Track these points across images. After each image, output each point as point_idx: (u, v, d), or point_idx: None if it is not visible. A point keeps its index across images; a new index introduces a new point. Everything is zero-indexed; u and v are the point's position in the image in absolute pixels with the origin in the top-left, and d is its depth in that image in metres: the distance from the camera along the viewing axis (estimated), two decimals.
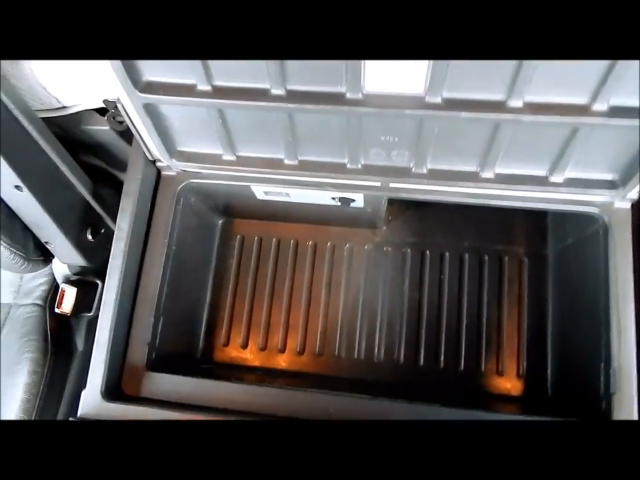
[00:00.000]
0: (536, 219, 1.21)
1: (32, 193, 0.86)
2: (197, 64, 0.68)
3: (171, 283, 0.99)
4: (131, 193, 0.95)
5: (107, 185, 1.09)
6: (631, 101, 0.65)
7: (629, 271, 0.87)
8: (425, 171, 0.85)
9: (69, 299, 1.08)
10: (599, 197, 0.86)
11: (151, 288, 0.94)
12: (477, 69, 0.63)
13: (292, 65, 0.67)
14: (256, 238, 1.28)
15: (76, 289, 1.08)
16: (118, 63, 0.67)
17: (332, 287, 1.23)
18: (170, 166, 0.96)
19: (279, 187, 0.98)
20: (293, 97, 0.71)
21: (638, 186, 0.81)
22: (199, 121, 0.81)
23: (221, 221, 1.28)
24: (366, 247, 1.25)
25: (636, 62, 0.58)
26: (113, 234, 0.95)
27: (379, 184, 0.90)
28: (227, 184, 0.99)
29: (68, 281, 1.10)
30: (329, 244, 1.26)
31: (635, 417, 0.81)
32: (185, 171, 0.98)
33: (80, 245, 1.02)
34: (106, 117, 0.92)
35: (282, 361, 1.19)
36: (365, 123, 0.75)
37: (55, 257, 1.08)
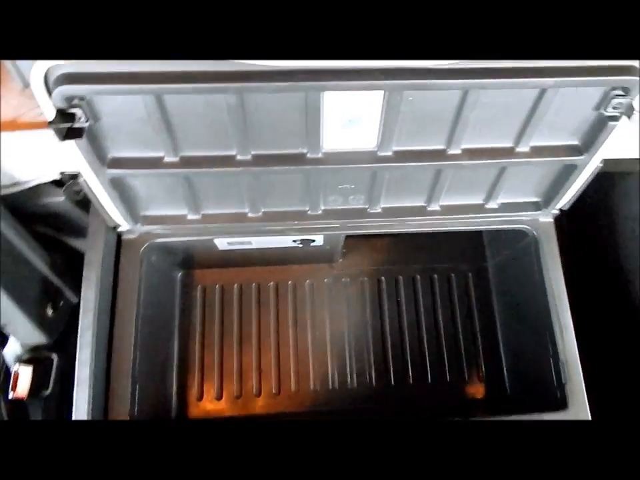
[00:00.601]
0: (474, 239, 1.33)
1: None
2: (164, 136, 0.71)
3: (142, 348, 0.98)
4: (94, 262, 0.95)
5: (62, 252, 1.07)
6: (547, 142, 0.77)
7: (560, 274, 1.00)
8: (379, 210, 0.93)
9: (24, 380, 1.01)
10: (526, 217, 0.98)
11: (125, 359, 0.92)
12: (422, 123, 0.73)
13: (255, 131, 0.72)
14: (217, 286, 1.30)
15: (31, 367, 1.03)
16: (84, 141, 0.69)
17: (298, 324, 1.28)
18: (130, 230, 0.98)
19: (242, 237, 1.03)
20: (258, 160, 0.76)
21: (559, 203, 0.94)
22: (165, 188, 0.84)
23: (180, 274, 1.29)
24: (325, 281, 1.31)
25: (550, 111, 0.70)
26: (73, 305, 0.94)
27: (338, 225, 0.97)
28: (189, 240, 1.02)
29: (20, 361, 1.04)
30: (289, 282, 1.31)
31: (586, 403, 0.92)
32: (145, 233, 1.00)
33: (41, 322, 0.99)
34: (63, 189, 0.92)
35: (259, 406, 1.21)
36: (324, 177, 0.82)
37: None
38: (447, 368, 1.25)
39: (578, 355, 0.96)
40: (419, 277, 1.33)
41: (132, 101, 0.66)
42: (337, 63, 0.61)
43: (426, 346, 1.27)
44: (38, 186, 0.95)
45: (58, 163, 0.88)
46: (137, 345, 0.96)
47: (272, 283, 1.31)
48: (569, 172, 0.82)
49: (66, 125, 0.64)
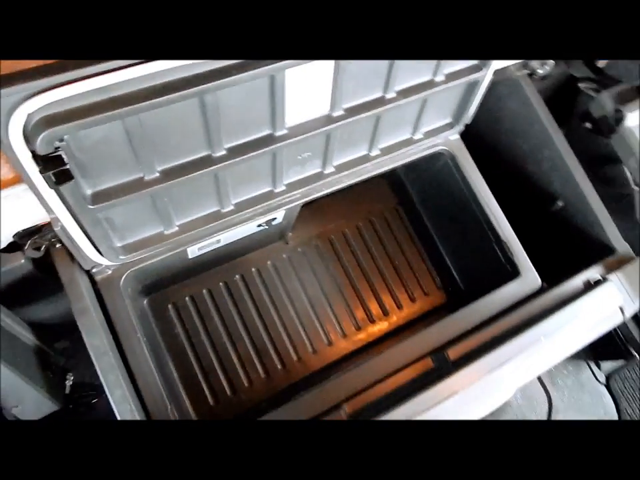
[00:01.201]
0: (395, 180, 1.50)
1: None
2: (144, 154, 0.73)
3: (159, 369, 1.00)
4: (83, 309, 0.93)
5: (35, 318, 1.02)
6: (456, 68, 0.93)
7: (479, 175, 1.20)
8: (332, 169, 1.03)
9: None
10: (442, 138, 1.15)
11: (153, 388, 0.93)
12: (364, 79, 0.83)
13: (227, 125, 0.77)
14: (187, 298, 1.31)
15: None
16: (69, 183, 0.68)
17: (276, 302, 1.35)
18: (107, 266, 0.96)
19: (214, 237, 1.06)
20: (233, 152, 0.82)
21: (466, 120, 1.12)
22: (142, 209, 0.85)
23: (145, 301, 1.28)
24: (284, 256, 1.39)
25: None
26: (62, 365, 0.92)
27: (299, 194, 1.05)
28: (164, 257, 1.03)
29: None
30: (253, 270, 1.37)
31: (533, 267, 1.14)
32: (122, 265, 0.99)
33: (50, 390, 0.95)
34: (25, 249, 0.88)
35: (271, 387, 1.28)
36: (287, 151, 0.89)
37: None
38: (410, 290, 1.42)
39: (514, 233, 1.17)
40: (361, 224, 1.46)
41: (110, 128, 0.67)
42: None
43: (389, 280, 1.42)
44: None
45: (10, 225, 0.84)
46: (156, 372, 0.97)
47: (237, 276, 1.35)
48: (472, 88, 1.00)
49: (56, 169, 0.64)
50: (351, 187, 1.43)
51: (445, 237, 1.43)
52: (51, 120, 0.60)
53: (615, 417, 1.75)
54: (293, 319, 1.34)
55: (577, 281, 1.10)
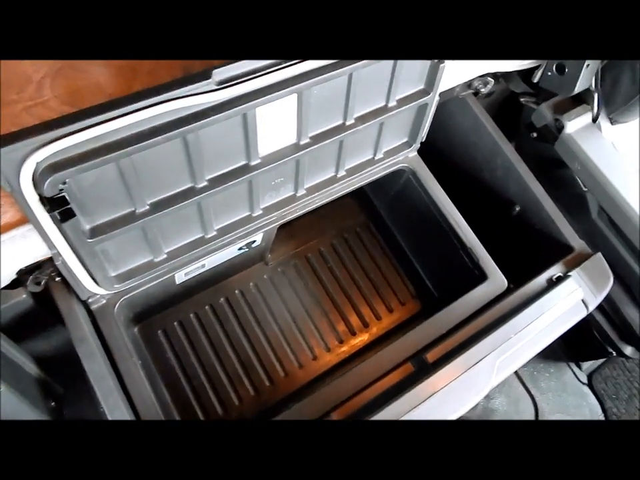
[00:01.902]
0: (362, 197, 1.61)
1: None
2: (136, 191, 0.82)
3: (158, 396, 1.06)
4: (82, 338, 0.99)
5: (35, 349, 1.08)
6: (405, 93, 1.05)
7: (440, 188, 1.32)
8: (304, 191, 1.13)
9: None
10: (401, 156, 1.27)
11: (151, 410, 0.99)
12: (325, 109, 0.95)
13: (208, 159, 0.87)
14: (176, 324, 1.38)
15: None
16: (72, 224, 0.77)
17: (260, 321, 1.43)
18: (102, 296, 1.03)
19: (199, 262, 1.15)
20: (214, 183, 0.91)
21: (421, 138, 1.24)
22: (134, 239, 0.94)
23: (136, 329, 1.34)
24: (265, 277, 1.48)
25: (402, 72, 0.97)
26: (61, 395, 0.98)
27: (275, 217, 1.15)
28: (154, 284, 1.11)
29: None
30: (236, 292, 1.45)
31: (498, 270, 1.25)
32: (113, 295, 1.06)
33: (51, 418, 1.01)
34: (27, 284, 0.95)
35: (259, 403, 1.35)
36: (262, 178, 1.00)
37: None
38: (386, 301, 1.52)
39: (478, 240, 1.29)
40: (335, 241, 1.57)
41: (105, 169, 0.76)
42: (261, 83, 0.79)
43: (367, 292, 1.52)
44: None
45: (14, 264, 0.91)
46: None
47: (222, 298, 1.43)
48: (423, 110, 1.12)
49: (61, 209, 0.72)
50: (323, 207, 1.55)
51: (415, 248, 1.55)
52: (56, 166, 0.69)
53: (601, 417, 1.81)
54: (277, 335, 1.42)
55: (541, 279, 1.19)
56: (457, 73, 1.19)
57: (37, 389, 1.00)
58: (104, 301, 1.06)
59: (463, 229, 1.28)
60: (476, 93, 1.38)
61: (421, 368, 1.04)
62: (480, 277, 1.26)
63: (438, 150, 1.42)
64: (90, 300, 1.03)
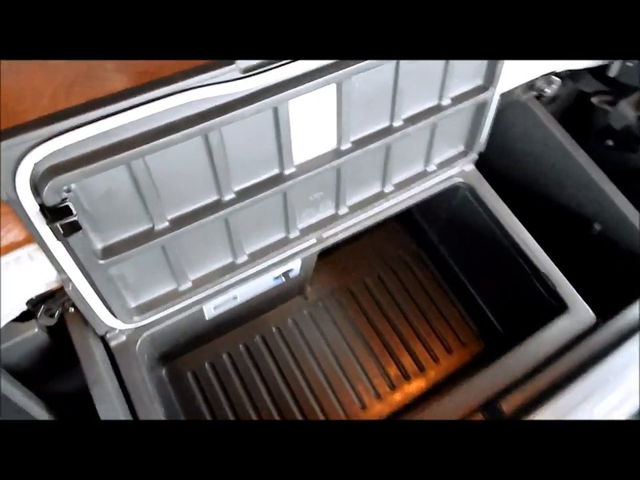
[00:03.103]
0: (410, 223, 1.46)
1: None
2: (153, 203, 0.71)
3: None
4: (97, 379, 0.87)
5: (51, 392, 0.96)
6: (461, 90, 0.92)
7: (504, 205, 1.15)
8: (346, 209, 1.00)
9: None
10: (456, 169, 1.12)
11: None
12: (368, 108, 0.82)
13: (235, 168, 0.76)
14: (207, 364, 1.24)
15: None
16: (78, 236, 0.66)
17: (300, 361, 1.27)
18: (121, 331, 0.92)
19: (229, 293, 1.02)
20: (243, 195, 0.79)
21: (479, 147, 1.10)
22: (154, 263, 0.82)
23: (164, 370, 1.21)
24: (305, 312, 1.33)
25: (456, 65, 0.85)
26: None
27: (314, 240, 1.02)
28: (180, 318, 0.98)
29: None
30: (273, 329, 1.30)
31: (581, 299, 1.04)
32: (134, 330, 0.95)
33: None
34: (38, 317, 0.84)
35: None
36: (297, 190, 0.87)
37: None
38: (444, 341, 1.33)
39: (554, 264, 1.10)
40: (382, 273, 1.41)
41: (117, 175, 0.65)
42: (293, 70, 0.68)
43: (420, 331, 1.33)
44: None
45: (22, 291, 0.81)
46: None
47: (257, 336, 1.29)
48: (481, 111, 0.98)
49: (64, 221, 0.61)
50: (367, 235, 1.41)
51: (476, 278, 1.36)
52: (57, 169, 0.59)
53: None
54: (319, 379, 1.25)
55: (634, 310, 0.98)
56: (517, 72, 1.05)
57: None
58: (124, 337, 0.94)
59: (536, 252, 1.10)
60: (539, 96, 1.23)
61: (495, 419, 0.85)
62: (558, 308, 1.06)
63: (496, 164, 1.26)
64: (108, 335, 0.91)
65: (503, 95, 1.03)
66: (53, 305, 0.85)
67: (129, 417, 0.86)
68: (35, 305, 0.84)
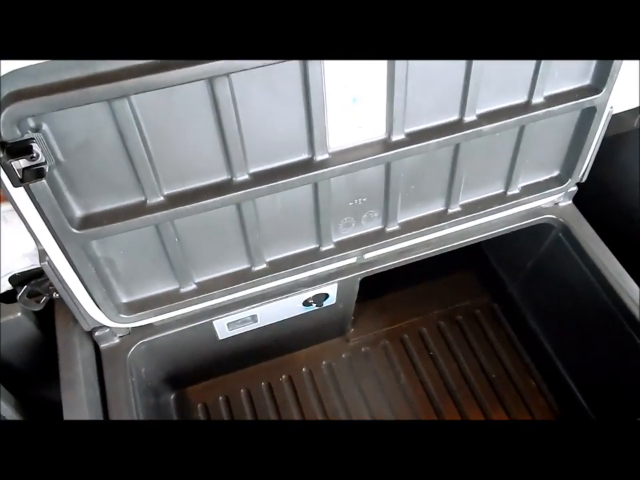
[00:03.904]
0: (484, 270, 1.22)
1: None
2: (142, 169, 0.58)
3: None
4: (71, 381, 0.74)
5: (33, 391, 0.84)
6: (561, 89, 0.72)
7: (610, 253, 0.90)
8: (397, 226, 0.81)
9: None
10: (547, 200, 0.90)
11: None
12: (432, 93, 0.66)
13: (251, 143, 0.61)
14: (221, 399, 1.07)
15: None
16: (45, 189, 0.54)
17: (328, 413, 1.05)
18: (112, 331, 0.78)
19: (245, 310, 0.86)
20: (259, 178, 0.64)
21: (579, 176, 0.87)
22: (148, 251, 0.69)
23: (172, 396, 1.06)
24: (344, 356, 1.12)
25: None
26: None
27: (354, 260, 0.84)
28: (184, 330, 0.84)
29: None
30: (303, 370, 1.11)
31: None
32: (129, 334, 0.81)
33: None
34: (18, 298, 0.74)
35: None
36: (332, 189, 0.71)
37: None
38: (510, 411, 1.05)
39: None
40: (442, 323, 1.17)
41: (97, 122, 0.54)
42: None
43: (482, 397, 1.07)
44: None
45: (3, 266, 0.71)
46: None
47: (284, 376, 1.10)
48: (588, 120, 0.77)
49: (20, 159, 0.50)
50: (429, 279, 1.19)
51: (561, 343, 1.08)
52: (19, 95, 0.48)
53: None
54: None
55: None
56: (633, 87, 0.83)
57: None
58: (116, 340, 0.81)
59: None
60: None
61: None
62: None
63: (598, 205, 1.01)
64: (97, 334, 0.78)
65: (615, 120, 0.81)
66: (37, 286, 0.74)
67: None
68: (19, 283, 0.74)
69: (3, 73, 0.47)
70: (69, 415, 0.71)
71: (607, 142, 0.89)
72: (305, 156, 0.66)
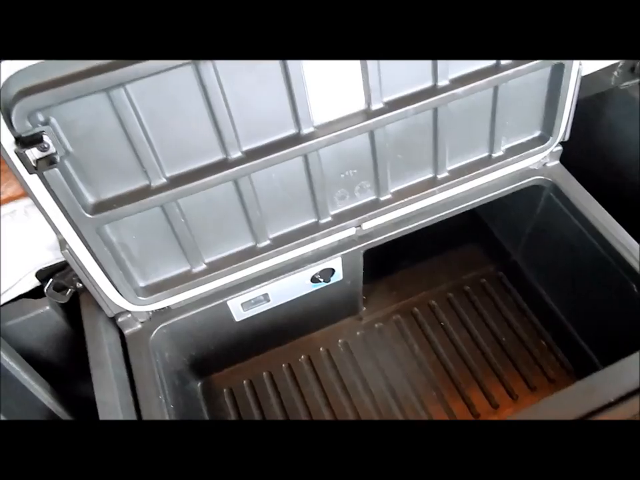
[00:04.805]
0: (488, 243, 1.25)
1: None
2: (144, 154, 0.65)
3: None
4: (101, 361, 0.80)
5: (66, 380, 0.91)
6: None
7: (602, 209, 0.92)
8: (389, 195, 0.86)
9: None
10: (535, 158, 0.93)
11: None
12: (403, 64, 0.71)
13: (237, 122, 0.67)
14: (245, 382, 1.12)
15: None
16: (59, 177, 0.61)
17: (348, 388, 1.09)
18: (134, 316, 0.85)
19: (257, 289, 0.91)
20: (252, 155, 0.70)
21: (560, 134, 0.90)
22: (158, 235, 0.75)
23: (200, 383, 1.11)
24: (358, 334, 1.16)
25: None
26: None
27: (353, 231, 0.88)
28: (200, 312, 0.89)
29: None
30: (321, 350, 1.15)
31: None
32: (150, 319, 0.87)
33: None
34: (46, 289, 0.81)
35: None
36: (323, 162, 0.76)
37: None
38: (526, 377, 1.07)
39: None
40: (451, 294, 1.20)
41: (99, 111, 0.60)
42: None
43: (496, 363, 1.09)
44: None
45: (29, 263, 0.78)
46: None
47: (303, 356, 1.14)
48: (557, 79, 0.80)
49: (33, 148, 0.57)
50: (435, 255, 1.23)
51: (567, 301, 1.10)
52: (28, 91, 0.55)
53: None
54: (369, 412, 1.06)
55: None
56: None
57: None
58: (138, 326, 0.87)
59: None
60: None
61: None
62: None
63: (584, 169, 1.03)
64: (120, 320, 0.85)
65: (590, 79, 0.85)
66: (62, 278, 0.81)
67: (129, 405, 0.77)
68: (45, 277, 0.81)
69: (8, 74, 0.54)
70: (99, 392, 0.77)
71: (588, 102, 0.92)
72: (292, 131, 0.71)
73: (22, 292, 0.81)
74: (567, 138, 0.92)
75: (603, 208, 0.92)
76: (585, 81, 0.86)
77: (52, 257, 0.79)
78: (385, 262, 1.21)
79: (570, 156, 0.97)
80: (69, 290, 0.83)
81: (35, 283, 0.82)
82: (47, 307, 0.83)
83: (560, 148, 0.95)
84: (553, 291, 1.12)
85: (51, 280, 0.80)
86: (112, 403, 0.75)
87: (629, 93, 1.01)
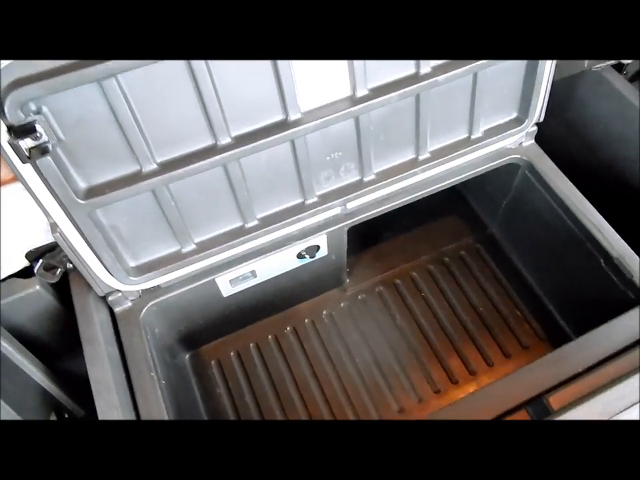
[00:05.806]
0: (466, 215, 1.30)
1: None
2: (136, 138, 0.66)
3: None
4: (93, 338, 0.83)
5: (59, 360, 0.94)
6: None
7: (573, 188, 0.97)
8: (373, 176, 0.89)
9: None
10: (512, 138, 0.96)
11: None
12: None
13: (228, 108, 0.69)
14: (232, 354, 1.16)
15: None
16: (52, 166, 0.62)
17: (333, 358, 1.14)
18: (124, 294, 0.87)
19: (244, 266, 0.94)
20: (242, 140, 0.72)
21: (536, 116, 0.93)
22: (149, 217, 0.77)
23: (187, 356, 1.15)
24: (342, 305, 1.21)
25: None
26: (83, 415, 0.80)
27: (338, 210, 0.91)
28: (189, 289, 0.92)
29: None
30: (306, 321, 1.20)
31: None
32: (140, 297, 0.90)
33: None
34: (35, 271, 0.82)
35: None
36: (309, 145, 0.78)
37: None
38: (501, 345, 1.14)
39: (628, 246, 0.90)
40: (431, 266, 1.25)
41: (90, 100, 0.61)
42: None
43: (474, 332, 1.16)
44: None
45: (19, 243, 0.79)
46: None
47: (288, 328, 1.19)
48: (533, 63, 0.83)
49: (27, 138, 0.58)
50: (416, 227, 1.27)
51: (541, 273, 1.16)
52: (20, 82, 0.56)
53: None
54: (353, 379, 1.12)
55: None
56: None
57: (38, 402, 0.84)
58: (129, 304, 0.89)
59: (608, 235, 0.91)
60: (619, 67, 1.04)
61: (540, 417, 0.67)
62: (635, 299, 0.86)
63: (560, 146, 1.07)
64: (111, 299, 0.87)
65: (566, 63, 0.87)
66: (52, 259, 0.82)
67: (121, 381, 0.81)
68: (35, 258, 0.82)
69: (2, 65, 0.54)
70: (92, 370, 0.79)
71: (562, 84, 0.95)
72: (280, 117, 0.73)
73: (11, 272, 0.83)
74: (542, 119, 0.95)
75: (573, 185, 0.97)
76: (560, 63, 0.89)
77: (44, 239, 0.80)
78: (368, 234, 1.25)
79: (545, 133, 1.01)
80: (59, 270, 0.84)
81: (25, 263, 0.83)
82: (37, 287, 0.85)
83: (535, 128, 0.99)
84: (527, 263, 1.18)
85: (40, 260, 0.81)
86: (105, 381, 0.78)
87: (601, 74, 1.04)
